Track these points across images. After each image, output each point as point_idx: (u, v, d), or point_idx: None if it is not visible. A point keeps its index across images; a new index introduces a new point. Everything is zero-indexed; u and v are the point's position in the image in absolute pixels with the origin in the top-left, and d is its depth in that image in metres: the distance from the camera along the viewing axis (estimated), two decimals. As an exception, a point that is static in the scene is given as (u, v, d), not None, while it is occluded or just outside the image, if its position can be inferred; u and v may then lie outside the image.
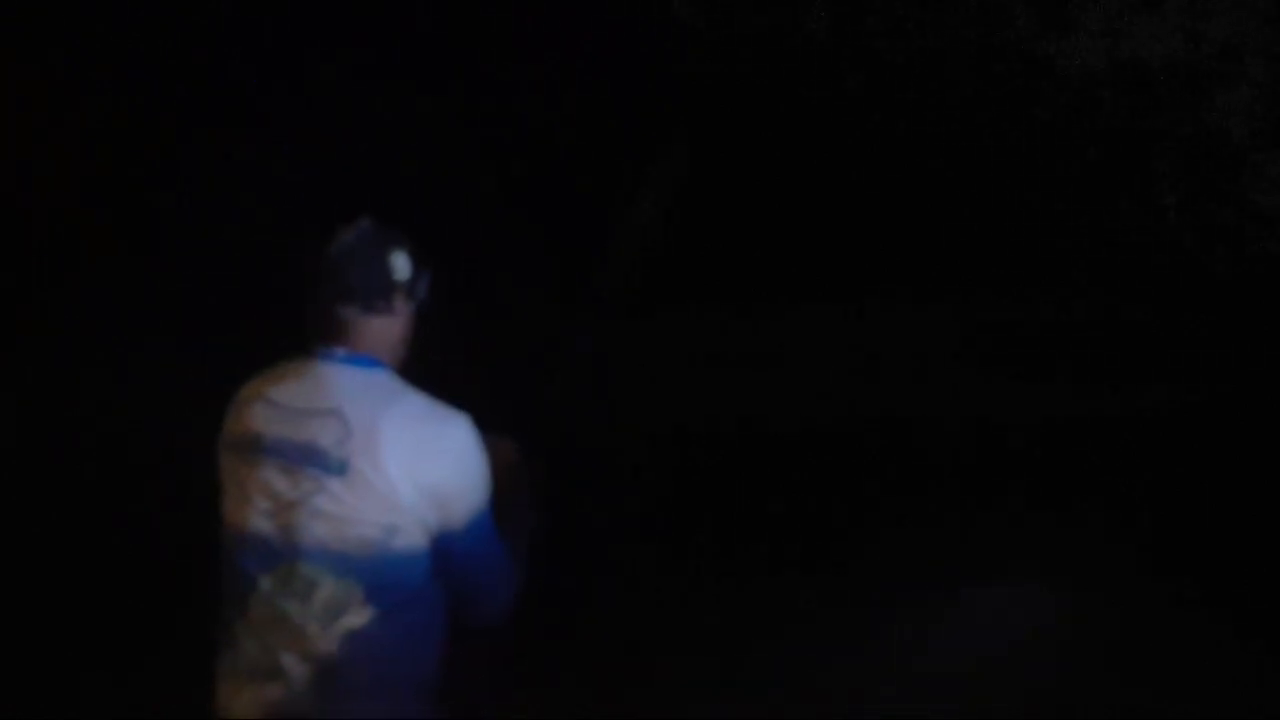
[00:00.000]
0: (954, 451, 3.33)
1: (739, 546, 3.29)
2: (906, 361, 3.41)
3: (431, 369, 1.63)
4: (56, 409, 3.41)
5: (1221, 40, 3.12)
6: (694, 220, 3.21)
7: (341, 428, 1.48)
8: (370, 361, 1.56)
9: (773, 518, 3.26)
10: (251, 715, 1.53)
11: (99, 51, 3.45)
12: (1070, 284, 3.34)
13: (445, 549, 1.52)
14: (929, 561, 3.00)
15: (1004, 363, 3.40)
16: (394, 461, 1.46)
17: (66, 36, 3.42)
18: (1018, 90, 3.23)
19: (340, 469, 1.47)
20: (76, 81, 3.48)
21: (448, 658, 1.62)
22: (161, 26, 3.39)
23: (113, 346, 3.36)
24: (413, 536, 1.49)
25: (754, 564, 3.20)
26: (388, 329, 1.58)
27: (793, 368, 3.72)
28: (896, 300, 3.38)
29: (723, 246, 3.28)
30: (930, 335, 3.49)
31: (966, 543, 3.06)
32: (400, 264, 1.57)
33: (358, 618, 1.49)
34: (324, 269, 1.55)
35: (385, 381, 1.55)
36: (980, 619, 2.91)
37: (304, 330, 1.59)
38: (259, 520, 1.53)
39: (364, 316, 1.55)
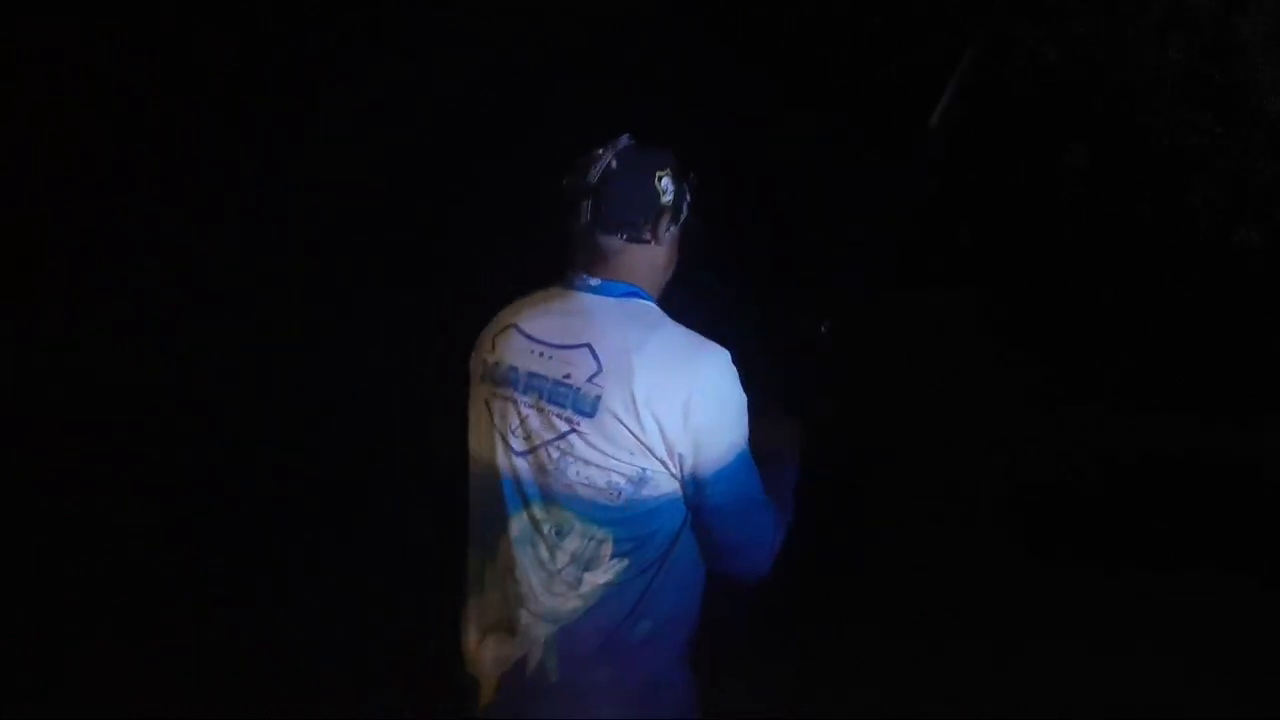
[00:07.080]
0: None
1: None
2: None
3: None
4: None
5: None
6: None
7: (593, 364, 1.37)
8: (628, 290, 1.44)
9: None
10: (494, 672, 1.43)
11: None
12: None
13: (699, 495, 1.39)
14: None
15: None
16: (645, 399, 1.34)
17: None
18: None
19: (591, 409, 1.35)
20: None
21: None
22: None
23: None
24: (665, 485, 1.37)
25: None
26: (650, 256, 1.46)
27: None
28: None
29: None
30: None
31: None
32: (665, 186, 1.43)
33: (605, 574, 1.37)
34: (581, 193, 1.42)
35: (642, 312, 1.43)
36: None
37: (562, 256, 1.47)
38: (512, 459, 1.42)
39: (625, 245, 1.43)
